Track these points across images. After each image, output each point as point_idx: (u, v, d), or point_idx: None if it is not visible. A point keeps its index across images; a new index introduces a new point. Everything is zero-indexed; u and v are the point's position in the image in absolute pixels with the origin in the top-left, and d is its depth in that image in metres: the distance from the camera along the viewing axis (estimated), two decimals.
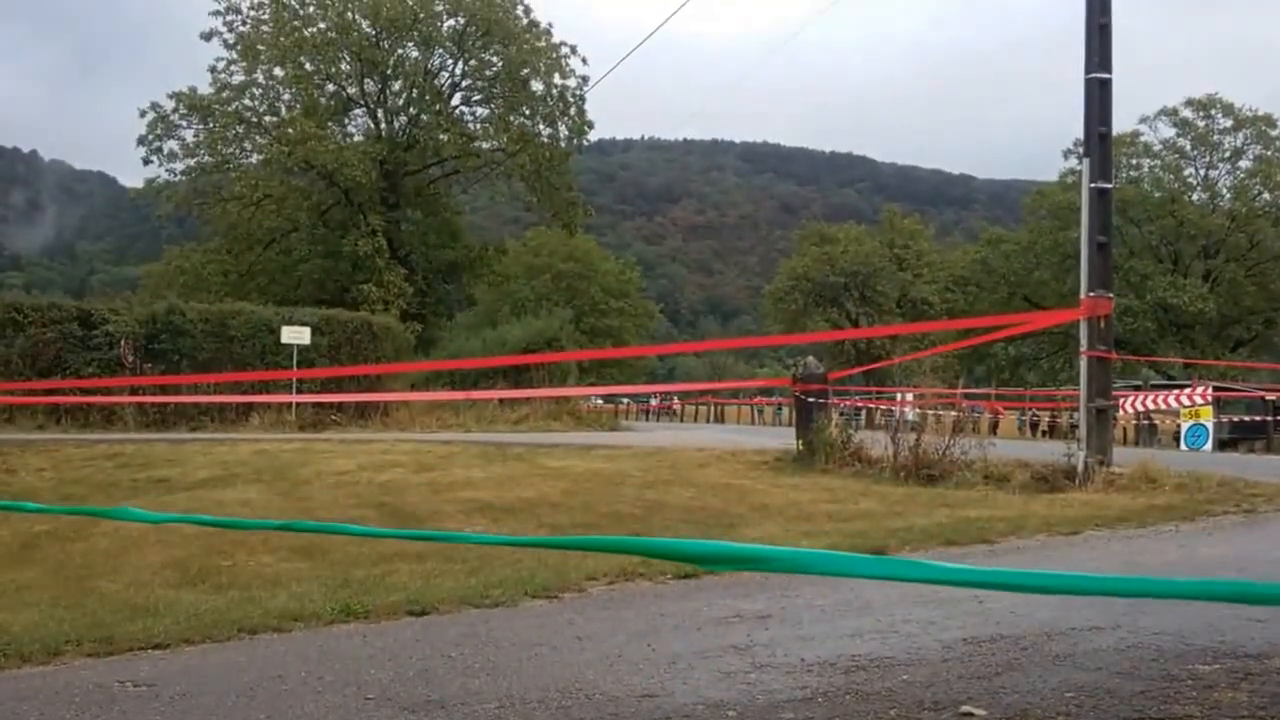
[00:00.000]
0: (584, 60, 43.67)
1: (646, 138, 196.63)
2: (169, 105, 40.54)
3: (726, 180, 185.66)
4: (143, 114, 40.71)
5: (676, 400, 50.85)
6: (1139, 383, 31.16)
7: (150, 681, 4.40)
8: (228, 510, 9.01)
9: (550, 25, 43.50)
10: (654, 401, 51.30)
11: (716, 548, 2.21)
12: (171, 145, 41.07)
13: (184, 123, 40.89)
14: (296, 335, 22.70)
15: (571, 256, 65.62)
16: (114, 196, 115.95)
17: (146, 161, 41.31)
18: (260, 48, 40.54)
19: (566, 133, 43.86)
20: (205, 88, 40.94)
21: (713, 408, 50.13)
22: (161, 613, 5.73)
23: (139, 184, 46.04)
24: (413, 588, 6.37)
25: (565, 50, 43.04)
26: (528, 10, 43.10)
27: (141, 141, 40.80)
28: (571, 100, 43.12)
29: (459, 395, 22.87)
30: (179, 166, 41.45)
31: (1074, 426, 12.68)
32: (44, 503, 9.65)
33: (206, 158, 41.01)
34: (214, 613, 5.69)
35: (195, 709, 4.03)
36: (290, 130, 38.82)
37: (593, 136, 47.67)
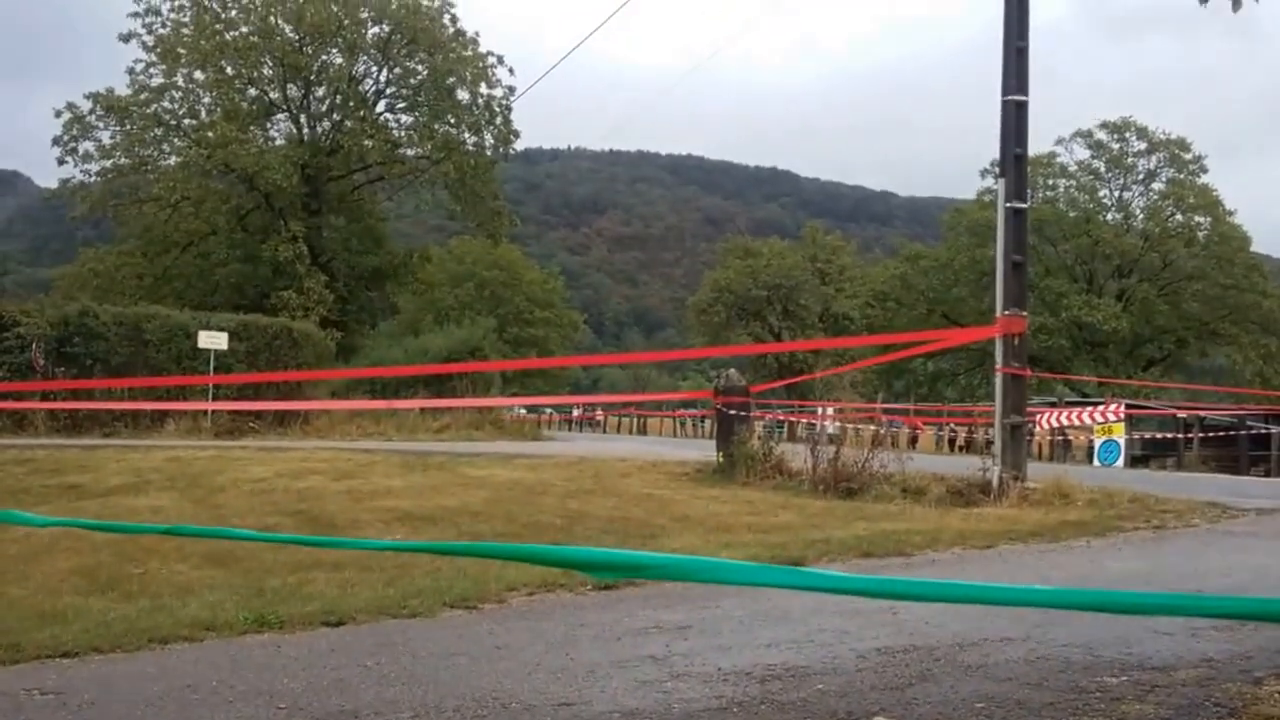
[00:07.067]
0: (510, 70, 43.92)
1: (573, 148, 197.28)
2: (85, 106, 39.69)
3: (652, 192, 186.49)
4: (58, 114, 39.77)
5: (600, 411, 50.80)
6: (1054, 399, 31.82)
7: (58, 690, 4.30)
8: (139, 518, 8.81)
9: (477, 34, 43.40)
10: (577, 412, 51.21)
11: (600, 555, 2.23)
12: (87, 146, 40.17)
13: (101, 124, 39.97)
14: (214, 340, 22.26)
15: (496, 265, 65.39)
16: (29, 197, 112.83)
17: (61, 162, 40.35)
18: (180, 50, 39.74)
19: (492, 141, 43.73)
20: (123, 89, 40.15)
21: (635, 419, 50.15)
22: (70, 620, 5.59)
23: (54, 185, 44.99)
24: (329, 597, 6.29)
25: (492, 60, 42.93)
26: (454, 19, 42.93)
27: (56, 142, 39.84)
28: (497, 109, 43.00)
29: (380, 404, 22.61)
30: (95, 168, 40.53)
31: (990, 442, 12.93)
32: None
33: (123, 159, 40.13)
34: (124, 621, 5.57)
35: (103, 718, 3.95)
36: (210, 134, 38.10)
37: (519, 146, 47.56)
